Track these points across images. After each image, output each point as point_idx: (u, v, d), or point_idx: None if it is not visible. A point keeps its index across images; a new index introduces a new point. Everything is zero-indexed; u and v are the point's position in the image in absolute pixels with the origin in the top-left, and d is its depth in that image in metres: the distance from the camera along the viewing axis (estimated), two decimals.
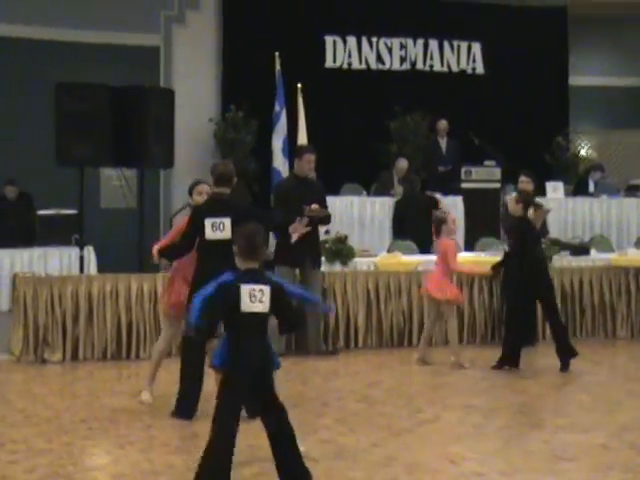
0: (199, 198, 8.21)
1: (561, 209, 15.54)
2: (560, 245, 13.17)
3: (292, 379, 9.40)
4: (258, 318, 5.66)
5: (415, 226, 13.65)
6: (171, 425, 7.55)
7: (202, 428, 7.44)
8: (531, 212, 10.38)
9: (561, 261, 12.70)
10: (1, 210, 14.29)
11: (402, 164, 15.48)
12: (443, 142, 16.35)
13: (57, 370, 9.99)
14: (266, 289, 5.68)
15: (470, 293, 11.80)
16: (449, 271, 10.38)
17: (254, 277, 5.72)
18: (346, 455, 6.53)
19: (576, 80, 18.72)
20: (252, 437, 6.42)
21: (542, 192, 15.28)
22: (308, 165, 10.74)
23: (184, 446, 6.96)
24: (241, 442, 5.74)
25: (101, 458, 6.85)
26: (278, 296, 5.75)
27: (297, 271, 10.92)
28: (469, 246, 13.97)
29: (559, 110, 18.31)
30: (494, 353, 10.26)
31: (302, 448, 5.96)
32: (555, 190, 15.88)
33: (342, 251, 11.99)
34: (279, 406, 5.74)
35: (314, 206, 10.42)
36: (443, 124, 16.30)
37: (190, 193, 8.44)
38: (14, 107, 15.84)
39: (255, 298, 5.63)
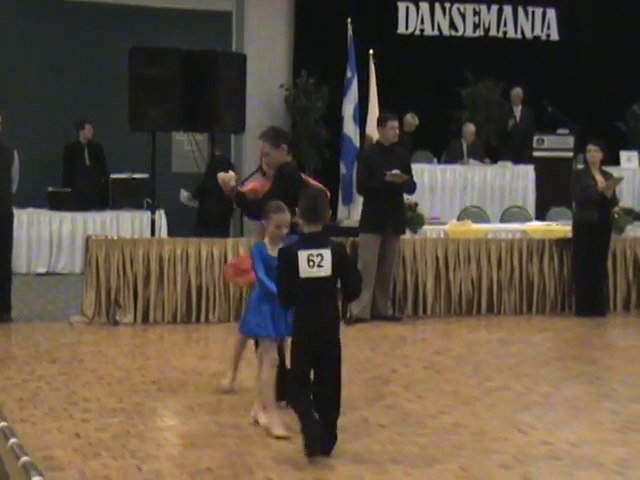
0: None
1: (635, 178, 15.33)
2: (634, 215, 13.00)
3: (360, 345, 9.42)
4: (320, 283, 5.63)
5: None
6: (240, 389, 7.60)
7: None
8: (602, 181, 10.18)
9: (635, 231, 12.53)
10: (75, 174, 14.51)
11: (470, 129, 15.42)
12: (517, 110, 16.17)
13: (128, 332, 10.11)
14: (326, 253, 5.64)
15: (540, 262, 11.68)
16: None
17: (313, 241, 5.69)
18: (412, 421, 6.53)
19: None
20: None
21: (616, 161, 15.08)
22: (392, 132, 10.75)
23: (252, 409, 7.00)
24: None
25: (171, 419, 6.95)
26: (339, 259, 5.69)
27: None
28: (540, 215, 13.83)
29: (634, 78, 17.98)
30: (564, 322, 10.17)
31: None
32: (629, 159, 15.67)
33: (412, 218, 12.04)
34: (334, 377, 5.69)
35: (395, 171, 10.46)
36: (518, 92, 16.12)
37: None
38: (87, 71, 16.00)
39: (313, 263, 5.60)
